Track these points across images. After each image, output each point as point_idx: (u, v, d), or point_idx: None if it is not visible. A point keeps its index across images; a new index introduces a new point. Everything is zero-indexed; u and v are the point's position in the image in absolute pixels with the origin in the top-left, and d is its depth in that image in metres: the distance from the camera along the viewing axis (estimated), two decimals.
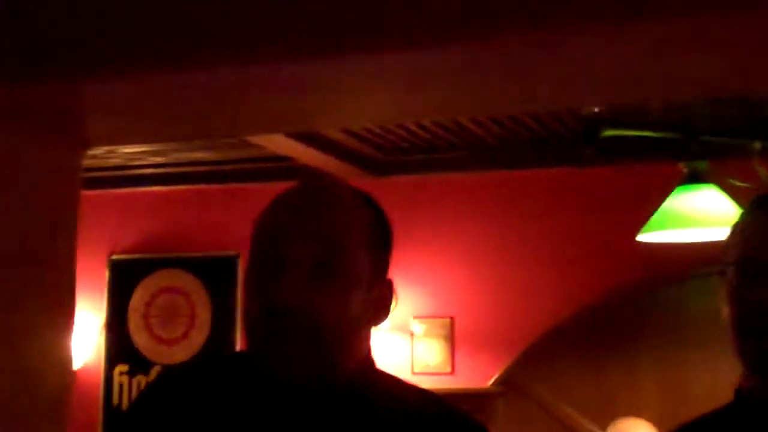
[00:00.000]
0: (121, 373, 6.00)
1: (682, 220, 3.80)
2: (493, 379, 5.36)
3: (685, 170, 3.86)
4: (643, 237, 3.97)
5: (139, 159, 5.75)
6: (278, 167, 5.57)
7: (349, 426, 1.42)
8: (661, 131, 3.98)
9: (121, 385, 5.98)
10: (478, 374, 5.39)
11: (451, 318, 5.50)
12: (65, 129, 2.49)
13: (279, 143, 4.91)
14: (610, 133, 3.77)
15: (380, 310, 1.48)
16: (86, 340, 6.03)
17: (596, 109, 3.66)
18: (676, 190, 3.84)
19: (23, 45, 2.16)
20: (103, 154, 5.60)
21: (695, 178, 3.83)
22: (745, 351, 1.53)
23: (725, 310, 1.58)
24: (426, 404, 1.47)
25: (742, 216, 1.62)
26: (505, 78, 2.08)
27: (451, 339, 5.49)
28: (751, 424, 1.55)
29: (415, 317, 5.51)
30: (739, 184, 3.87)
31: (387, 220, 1.51)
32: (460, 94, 2.23)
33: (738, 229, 1.60)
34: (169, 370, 1.67)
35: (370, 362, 1.49)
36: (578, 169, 5.09)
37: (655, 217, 3.84)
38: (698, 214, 3.76)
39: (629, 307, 5.23)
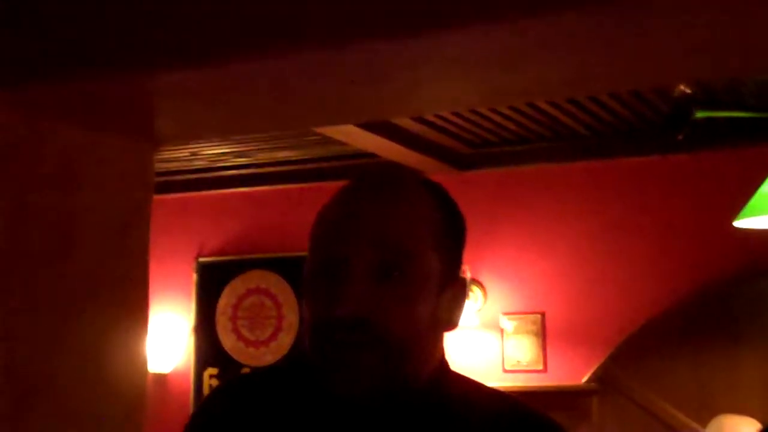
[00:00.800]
0: (211, 376, 6.00)
1: None
2: (586, 376, 5.21)
3: None
4: (740, 223, 3.80)
5: (223, 161, 5.75)
6: (362, 164, 5.51)
7: None
8: (757, 111, 3.81)
9: (211, 388, 5.95)
10: (571, 371, 5.25)
11: (542, 313, 5.37)
12: (136, 123, 2.45)
13: (361, 138, 4.85)
14: (702, 114, 3.62)
15: (453, 312, 1.36)
16: (176, 343, 6.05)
17: (687, 90, 3.50)
18: None
19: (90, 38, 2.12)
20: (186, 157, 5.62)
21: None
22: None
23: None
24: (503, 408, 1.36)
25: None
26: (592, 51, 1.96)
27: (543, 335, 5.35)
28: None
29: (504, 313, 5.39)
30: None
31: (459, 212, 1.39)
32: (544, 73, 2.11)
33: None
34: (231, 380, 1.59)
35: (445, 369, 1.38)
36: (671, 156, 4.93)
37: (753, 202, 3.66)
38: None
39: (728, 299, 5.04)
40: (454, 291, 1.34)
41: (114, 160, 2.49)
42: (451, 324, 1.35)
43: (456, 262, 1.36)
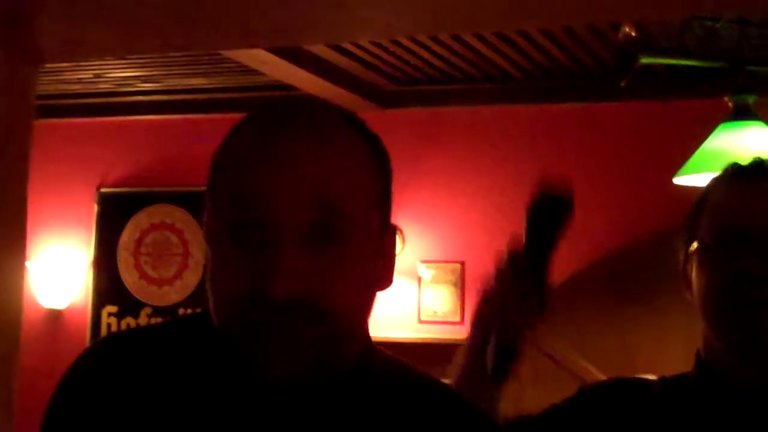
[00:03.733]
0: (110, 314, 5.70)
1: (726, 161, 3.40)
2: None
3: (730, 105, 3.48)
4: (680, 179, 3.59)
5: (130, 85, 5.42)
6: (279, 97, 5.22)
7: (342, 426, 1.11)
8: (704, 60, 3.59)
9: (109, 326, 5.68)
10: None
11: (462, 263, 5.15)
12: (12, 36, 2.13)
13: (278, 68, 4.58)
14: (646, 60, 3.39)
15: (389, 269, 1.14)
16: (73, 278, 5.73)
17: (633, 33, 3.25)
18: (719, 127, 3.47)
19: None
20: (90, 79, 5.26)
21: (742, 113, 3.44)
22: (719, 319, 1.56)
23: (698, 280, 1.60)
24: (432, 399, 1.17)
25: (714, 184, 1.66)
26: None
27: (461, 286, 5.15)
28: (712, 386, 1.59)
29: (422, 261, 5.16)
30: None
31: (387, 155, 1.14)
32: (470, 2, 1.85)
33: (711, 197, 1.63)
34: (111, 338, 1.35)
35: (370, 347, 1.16)
36: (610, 104, 4.74)
37: (696, 158, 3.46)
38: (744, 155, 3.36)
39: (659, 255, 4.85)
40: (388, 245, 1.13)
41: None
42: (386, 282, 1.13)
43: (389, 212, 1.14)
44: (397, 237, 1.17)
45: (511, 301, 1.60)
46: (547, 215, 1.58)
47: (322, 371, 1.07)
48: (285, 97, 0.98)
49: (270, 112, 1.12)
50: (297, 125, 1.08)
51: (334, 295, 1.04)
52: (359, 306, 1.09)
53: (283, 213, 1.02)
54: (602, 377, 4.75)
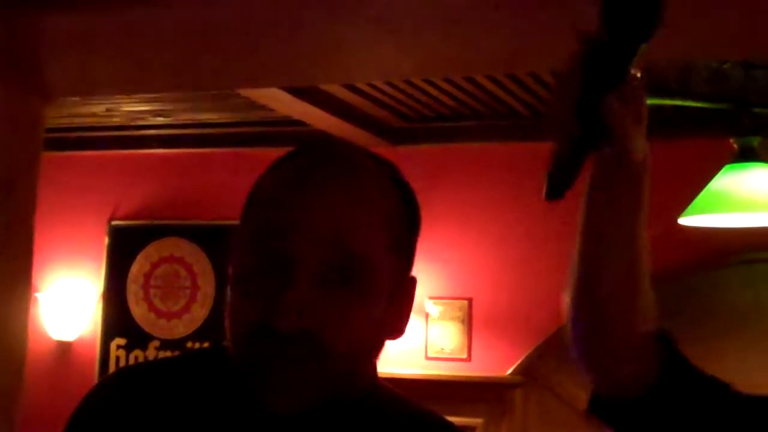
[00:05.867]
0: (119, 347, 5.71)
1: (731, 202, 3.42)
2: (512, 368, 5.00)
3: (735, 147, 3.49)
4: (685, 220, 3.59)
5: (142, 119, 5.43)
6: (290, 132, 5.24)
7: None
8: (710, 102, 3.60)
9: (117, 359, 5.69)
10: (496, 361, 5.03)
11: (469, 300, 5.15)
12: (22, 73, 2.16)
13: (288, 104, 4.59)
14: (651, 101, 3.37)
15: (402, 319, 1.16)
16: (83, 310, 5.74)
17: (638, 74, 3.27)
18: (724, 169, 3.48)
19: None
20: (103, 113, 5.30)
21: (746, 155, 3.46)
22: None
23: None
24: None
25: None
26: (529, 29, 1.71)
27: (469, 322, 5.13)
28: None
29: (430, 297, 5.15)
30: None
31: (416, 202, 1.17)
32: (475, 46, 1.87)
33: None
34: (123, 372, 1.37)
35: (376, 382, 1.18)
36: None
37: (700, 198, 3.47)
38: (749, 196, 3.38)
39: (663, 293, 4.85)
40: (404, 294, 1.15)
41: None
42: (398, 332, 1.15)
43: (410, 261, 1.16)
44: (416, 288, 1.17)
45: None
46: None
47: (324, 405, 1.08)
48: (322, 139, 0.98)
49: (306, 153, 1.14)
50: (329, 168, 1.11)
51: (339, 335, 1.06)
52: (365, 348, 1.11)
53: (301, 249, 1.05)
54: None
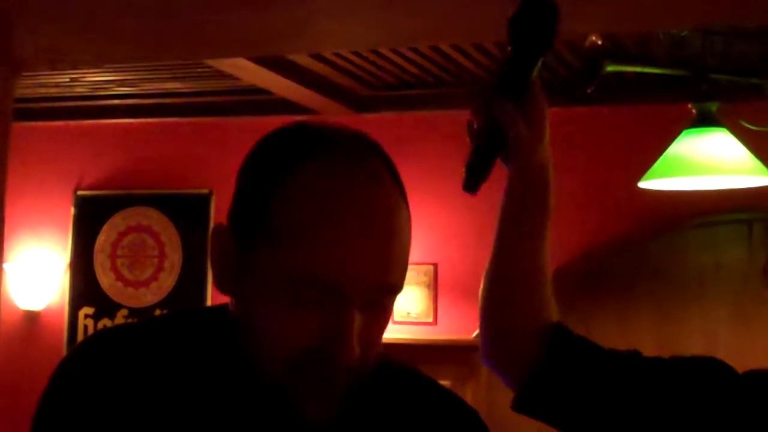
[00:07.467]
0: (86, 316, 5.72)
1: (690, 166, 3.49)
2: (477, 331, 5.06)
3: (693, 111, 3.56)
4: (645, 184, 3.67)
5: (107, 89, 5.42)
6: (255, 100, 5.26)
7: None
8: (669, 68, 3.67)
9: (86, 328, 5.70)
10: (462, 325, 5.10)
11: (435, 265, 5.22)
12: None
13: (254, 73, 4.60)
14: (612, 68, 3.45)
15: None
16: (50, 280, 5.75)
17: (599, 42, 3.32)
18: (683, 134, 3.54)
19: None
20: (67, 83, 5.28)
21: (705, 120, 3.52)
22: None
23: None
24: (435, 404, 1.26)
25: None
26: None
27: (435, 287, 5.21)
28: None
29: None
30: (752, 127, 3.60)
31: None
32: (440, 17, 1.91)
33: None
34: (103, 334, 1.27)
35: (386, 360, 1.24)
36: (577, 109, 4.79)
37: (660, 163, 3.54)
38: (707, 160, 3.46)
39: (625, 257, 4.95)
40: None
41: None
42: None
43: None
44: None
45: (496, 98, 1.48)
46: (533, 22, 1.44)
47: (339, 408, 1.13)
48: (337, 137, 0.94)
49: (329, 163, 1.12)
50: (362, 192, 1.12)
51: (372, 358, 1.13)
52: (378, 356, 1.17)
53: (352, 284, 1.07)
54: None
